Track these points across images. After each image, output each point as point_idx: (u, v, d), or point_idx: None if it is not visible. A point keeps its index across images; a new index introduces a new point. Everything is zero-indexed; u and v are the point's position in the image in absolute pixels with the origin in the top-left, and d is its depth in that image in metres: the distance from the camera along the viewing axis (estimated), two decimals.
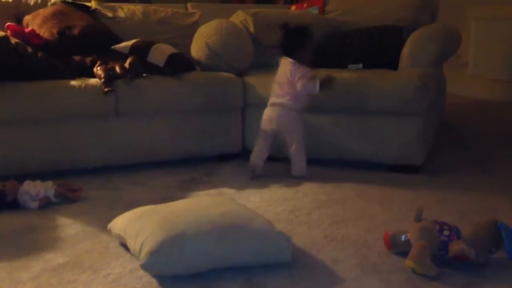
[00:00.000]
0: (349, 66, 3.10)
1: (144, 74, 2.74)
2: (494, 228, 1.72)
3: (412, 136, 2.66)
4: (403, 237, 1.81)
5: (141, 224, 1.70)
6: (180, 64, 2.86)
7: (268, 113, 2.63)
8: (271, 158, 2.76)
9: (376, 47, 3.18)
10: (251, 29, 3.24)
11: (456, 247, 1.70)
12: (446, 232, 1.75)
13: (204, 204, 1.84)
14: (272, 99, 2.64)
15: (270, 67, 3.09)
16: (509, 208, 2.24)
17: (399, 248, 1.82)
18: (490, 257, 1.74)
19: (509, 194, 2.41)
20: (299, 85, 2.54)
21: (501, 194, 2.41)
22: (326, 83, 2.56)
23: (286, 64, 2.59)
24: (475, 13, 4.66)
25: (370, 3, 3.58)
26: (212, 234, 1.64)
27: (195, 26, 3.27)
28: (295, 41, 2.56)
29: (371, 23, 3.34)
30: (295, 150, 2.61)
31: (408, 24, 3.25)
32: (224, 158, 2.92)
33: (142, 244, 1.61)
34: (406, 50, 2.91)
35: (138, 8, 3.42)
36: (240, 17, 3.29)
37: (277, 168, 2.76)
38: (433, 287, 1.61)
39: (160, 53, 2.80)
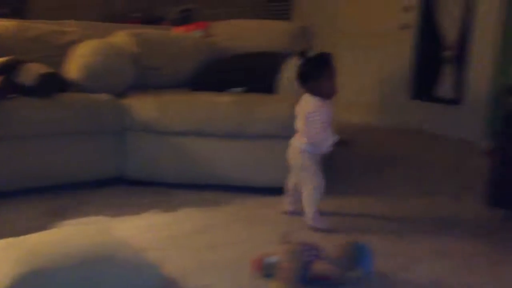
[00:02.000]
0: (230, 90, 3.16)
1: (13, 95, 2.59)
2: (353, 247, 1.84)
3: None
4: (271, 260, 1.86)
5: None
6: (53, 84, 2.74)
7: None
8: (146, 183, 2.73)
9: (256, 72, 3.29)
10: (133, 49, 3.19)
11: (318, 267, 1.80)
12: (310, 253, 1.83)
13: (70, 236, 1.76)
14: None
15: (152, 89, 3.10)
16: (365, 225, 2.39)
17: (268, 270, 1.87)
18: (349, 275, 1.84)
19: (374, 213, 2.57)
20: (312, 132, 2.29)
21: (363, 212, 2.57)
22: (343, 145, 2.34)
23: (307, 102, 2.32)
24: (347, 42, 5.00)
25: (252, 30, 3.69)
26: (75, 268, 1.57)
27: (72, 45, 3.16)
28: (311, 69, 2.29)
29: (252, 48, 3.45)
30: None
31: (286, 51, 3.39)
32: (99, 184, 2.82)
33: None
34: (283, 76, 3.02)
35: (11, 23, 3.23)
36: (121, 37, 3.24)
37: (154, 193, 2.74)
38: None
39: (31, 72, 2.66)
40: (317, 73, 2.27)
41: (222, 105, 2.79)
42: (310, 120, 2.28)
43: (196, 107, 2.82)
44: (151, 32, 3.46)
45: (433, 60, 4.38)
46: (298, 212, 2.48)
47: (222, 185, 2.81)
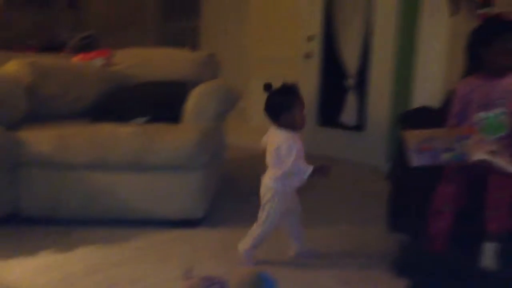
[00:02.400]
0: (134, 120, 3.10)
1: None
2: (257, 279, 1.84)
3: (192, 190, 2.73)
4: None
5: None
6: None
7: None
8: (43, 221, 2.61)
9: (161, 101, 3.27)
10: (27, 79, 3.05)
11: None
12: (213, 287, 1.81)
13: None
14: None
15: (50, 120, 2.97)
16: (269, 256, 2.41)
17: None
18: None
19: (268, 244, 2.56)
20: (289, 162, 2.20)
21: (269, 242, 2.55)
22: (320, 172, 2.24)
23: (276, 135, 2.26)
24: (255, 70, 5.12)
25: (156, 58, 3.66)
26: None
27: None
28: (282, 101, 2.24)
29: (157, 77, 3.43)
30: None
31: (192, 79, 3.41)
32: None
33: None
34: (188, 105, 3.01)
35: None
36: (13, 66, 3.09)
37: (51, 231, 2.61)
38: None
39: None
40: (289, 105, 2.23)
41: (123, 136, 2.72)
42: (284, 153, 2.22)
43: (96, 139, 2.72)
44: (47, 60, 3.36)
45: (337, 88, 4.57)
46: (308, 252, 2.43)
47: (128, 220, 2.72)
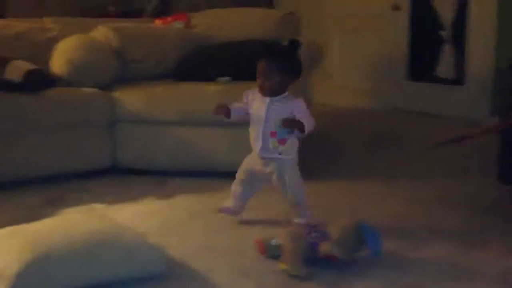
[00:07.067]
0: (218, 79, 3.32)
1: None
2: (358, 228, 2.00)
3: None
4: (273, 242, 2.04)
5: (3, 246, 1.75)
6: (40, 80, 2.93)
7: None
8: (140, 172, 2.99)
9: (243, 60, 3.46)
10: (114, 43, 3.36)
11: (324, 248, 1.97)
12: (314, 235, 2.00)
13: (72, 222, 1.94)
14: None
15: (136, 81, 3.27)
16: (369, 207, 2.59)
17: (272, 252, 2.04)
18: (356, 256, 2.00)
19: (368, 195, 2.78)
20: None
21: (361, 195, 2.77)
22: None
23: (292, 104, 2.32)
24: (336, 26, 5.17)
25: (233, 19, 3.86)
26: (80, 253, 1.74)
27: (53, 41, 3.32)
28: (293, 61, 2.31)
29: (235, 37, 3.62)
30: None
31: (272, 38, 3.56)
32: (94, 173, 3.04)
33: (5, 267, 1.66)
34: None
35: None
36: (101, 32, 3.40)
37: (148, 181, 2.95)
38: (305, 286, 1.86)
39: (17, 69, 2.87)
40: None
41: (209, 94, 3.00)
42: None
43: (183, 97, 3.06)
44: (131, 25, 3.66)
45: (430, 40, 4.57)
46: None
47: (217, 172, 2.95)
